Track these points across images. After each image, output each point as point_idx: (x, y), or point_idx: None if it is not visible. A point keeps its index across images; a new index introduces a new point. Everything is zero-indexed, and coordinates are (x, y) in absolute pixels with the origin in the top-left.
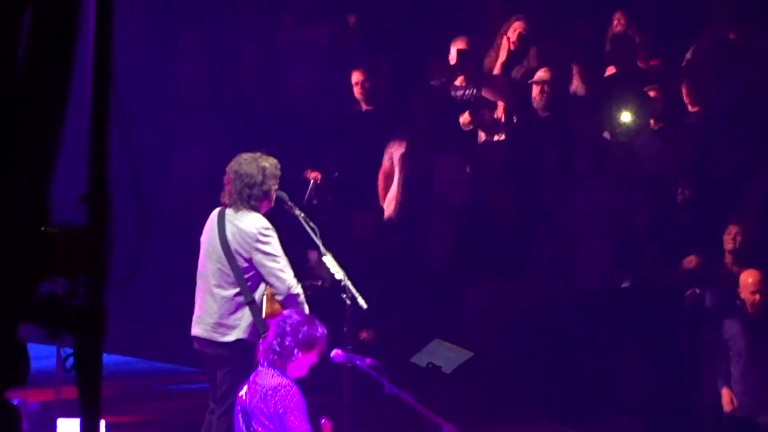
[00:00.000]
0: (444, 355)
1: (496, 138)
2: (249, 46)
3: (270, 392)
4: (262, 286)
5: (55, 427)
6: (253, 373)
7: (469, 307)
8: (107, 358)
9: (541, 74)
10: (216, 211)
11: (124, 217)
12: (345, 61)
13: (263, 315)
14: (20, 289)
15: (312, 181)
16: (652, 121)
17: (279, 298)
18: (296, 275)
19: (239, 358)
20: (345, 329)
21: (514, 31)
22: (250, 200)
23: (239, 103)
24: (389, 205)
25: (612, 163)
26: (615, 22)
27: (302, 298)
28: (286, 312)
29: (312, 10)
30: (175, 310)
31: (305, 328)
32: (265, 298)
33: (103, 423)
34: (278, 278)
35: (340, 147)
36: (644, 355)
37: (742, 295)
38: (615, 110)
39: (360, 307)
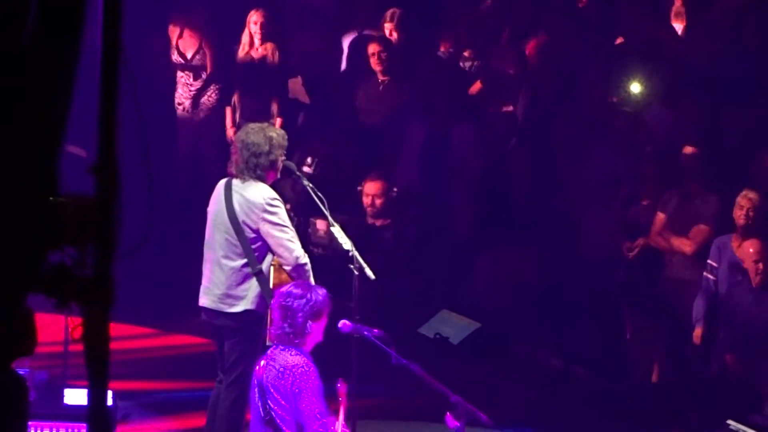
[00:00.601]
0: (452, 326)
1: (504, 108)
2: (256, 11)
3: (287, 371)
4: (270, 256)
5: (62, 396)
6: (271, 350)
7: (477, 277)
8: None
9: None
10: (223, 181)
11: (133, 188)
12: (353, 28)
13: (271, 285)
14: (29, 259)
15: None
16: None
17: (287, 268)
18: (303, 245)
19: (247, 329)
20: (353, 300)
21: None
22: (256, 170)
23: (249, 72)
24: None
25: (620, 133)
26: None
27: (309, 267)
28: (282, 290)
29: None
30: (183, 281)
31: (309, 299)
32: (272, 268)
33: (110, 393)
34: (286, 248)
35: (352, 117)
36: (652, 324)
37: (745, 265)
38: (625, 81)
39: (368, 278)
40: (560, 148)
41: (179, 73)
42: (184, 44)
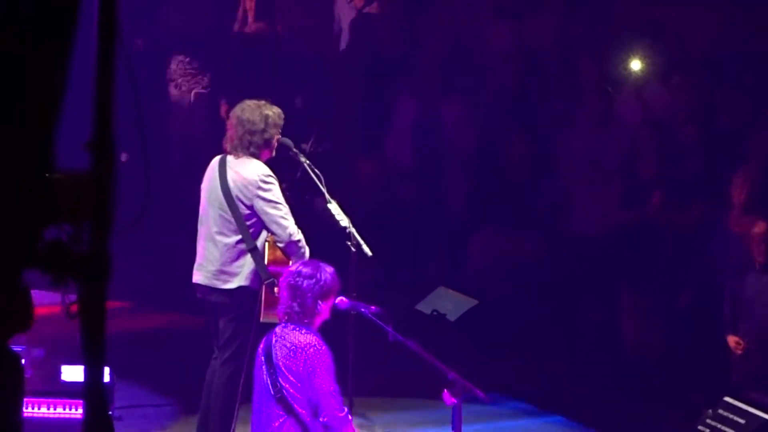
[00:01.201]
0: (449, 303)
1: (500, 85)
2: None
3: (300, 350)
4: (264, 233)
5: (59, 373)
6: (279, 328)
7: (473, 255)
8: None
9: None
10: (217, 158)
11: (128, 164)
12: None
13: (265, 262)
14: (25, 235)
15: (315, 129)
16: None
17: (280, 245)
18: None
19: (242, 305)
20: (350, 277)
21: None
22: (250, 147)
23: (244, 48)
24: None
25: (616, 110)
26: None
27: (303, 244)
28: (292, 269)
29: None
30: (178, 257)
31: (319, 279)
32: (267, 245)
33: (107, 369)
34: (279, 225)
35: (347, 93)
36: (650, 304)
37: (752, 246)
38: (624, 58)
39: (365, 255)
40: (555, 126)
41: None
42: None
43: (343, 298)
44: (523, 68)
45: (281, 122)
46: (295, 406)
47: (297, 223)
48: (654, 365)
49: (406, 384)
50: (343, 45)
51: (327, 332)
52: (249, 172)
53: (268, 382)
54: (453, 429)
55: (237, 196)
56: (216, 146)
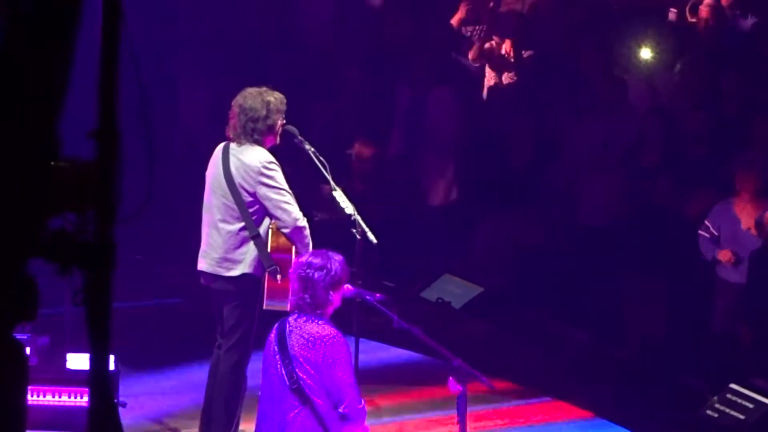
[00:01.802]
0: (454, 290)
1: (505, 74)
2: None
3: (319, 341)
4: (267, 220)
5: (64, 361)
6: (293, 318)
7: (478, 243)
8: None
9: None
10: (221, 145)
11: (133, 153)
12: None
13: (268, 249)
14: (29, 224)
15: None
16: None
17: (285, 231)
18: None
19: (245, 293)
20: (355, 264)
21: None
22: (253, 134)
23: (247, 36)
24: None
25: (622, 96)
26: None
27: (308, 231)
28: (302, 260)
29: None
30: (182, 245)
31: (329, 269)
32: (270, 231)
33: (112, 358)
34: (284, 210)
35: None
36: (655, 291)
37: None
38: (633, 46)
39: (370, 242)
40: (560, 113)
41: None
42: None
43: (349, 286)
44: (526, 53)
45: (284, 107)
46: (312, 396)
47: (302, 210)
48: (658, 353)
49: (411, 371)
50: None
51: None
52: (251, 158)
53: (283, 372)
54: (458, 416)
55: (240, 184)
56: (220, 134)
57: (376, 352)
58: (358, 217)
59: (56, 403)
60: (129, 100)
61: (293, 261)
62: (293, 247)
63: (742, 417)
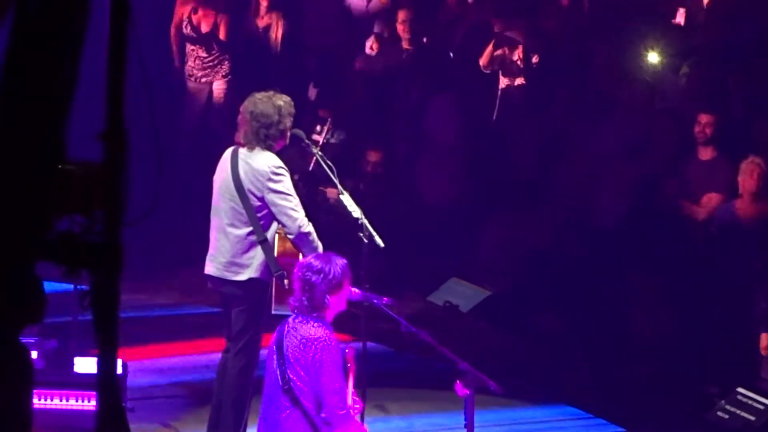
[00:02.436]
0: (461, 294)
1: (515, 78)
2: None
3: (310, 343)
4: (275, 225)
5: (72, 364)
6: (292, 319)
7: (486, 246)
8: None
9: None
10: (230, 149)
11: (140, 155)
12: None
13: (275, 254)
14: (37, 226)
15: (328, 120)
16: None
17: (290, 237)
18: (308, 215)
19: (253, 297)
20: (362, 268)
21: None
22: (266, 140)
23: (255, 40)
24: None
25: (630, 99)
26: None
27: (314, 236)
28: (302, 261)
29: None
30: (190, 248)
31: (327, 273)
32: (277, 236)
33: (120, 361)
34: (289, 217)
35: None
36: (661, 294)
37: None
38: (641, 50)
39: (377, 246)
40: (570, 116)
41: (189, 46)
42: (198, 18)
43: (356, 289)
44: (536, 58)
45: (293, 110)
46: (302, 398)
47: (308, 214)
48: (665, 355)
49: (418, 374)
50: (354, 37)
51: (338, 322)
52: (260, 163)
53: (278, 373)
54: (465, 419)
55: (248, 188)
56: (229, 137)
57: (384, 356)
58: (365, 221)
59: (64, 407)
60: (137, 102)
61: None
62: (300, 252)
63: (752, 419)
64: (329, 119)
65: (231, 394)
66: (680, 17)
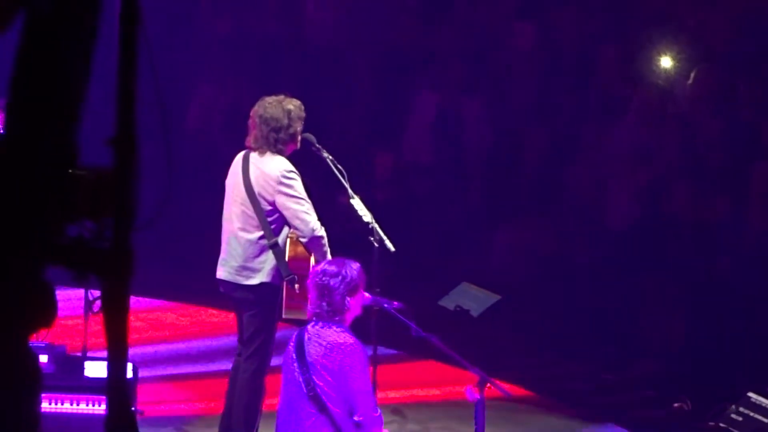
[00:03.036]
0: (472, 298)
1: (524, 80)
2: None
3: (336, 348)
4: (286, 229)
5: (82, 369)
6: (311, 326)
7: (497, 250)
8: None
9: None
10: (241, 154)
11: (151, 160)
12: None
13: (286, 258)
14: (47, 231)
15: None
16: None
17: (303, 240)
18: (320, 218)
19: (264, 301)
20: (373, 272)
21: None
22: (277, 144)
23: (263, 42)
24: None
25: (642, 103)
26: None
27: (326, 240)
28: (317, 268)
29: None
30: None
31: (345, 276)
32: (288, 241)
33: (130, 365)
34: (302, 220)
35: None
36: (675, 298)
37: None
38: (654, 55)
39: (388, 250)
40: (581, 120)
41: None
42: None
43: (366, 294)
44: (546, 62)
45: (303, 114)
46: (329, 404)
47: (320, 218)
48: (678, 359)
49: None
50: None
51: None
52: (271, 168)
53: (301, 380)
54: (476, 424)
55: (259, 192)
56: (239, 142)
57: (395, 360)
58: (376, 225)
59: (74, 411)
60: (147, 107)
61: (311, 270)
62: (311, 257)
63: (766, 420)
64: (338, 124)
65: (242, 398)
66: (692, 22)
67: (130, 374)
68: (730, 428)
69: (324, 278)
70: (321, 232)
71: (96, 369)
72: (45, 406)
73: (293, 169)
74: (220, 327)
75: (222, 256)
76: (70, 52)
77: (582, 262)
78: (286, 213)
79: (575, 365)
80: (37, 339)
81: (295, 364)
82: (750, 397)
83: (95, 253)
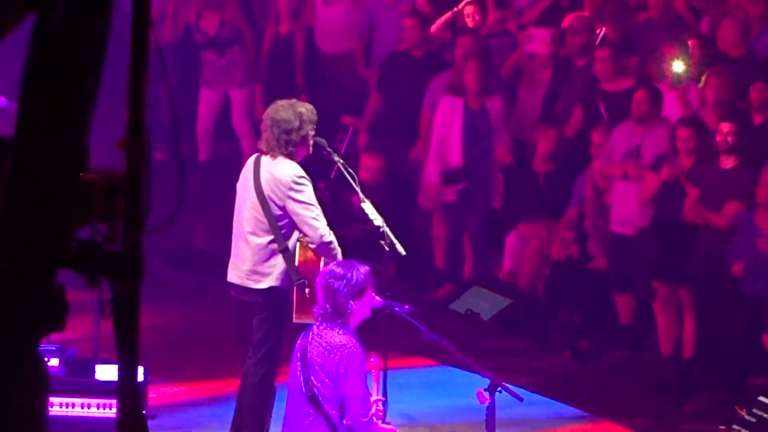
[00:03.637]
0: (483, 302)
1: (536, 85)
2: None
3: (334, 350)
4: (296, 233)
5: (93, 372)
6: (316, 326)
7: (507, 254)
8: None
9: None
10: (253, 157)
11: (162, 163)
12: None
13: (296, 263)
14: (58, 235)
15: (351, 127)
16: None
17: (312, 246)
18: (329, 223)
19: (273, 305)
20: (384, 276)
21: None
22: (288, 146)
23: (276, 48)
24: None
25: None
26: None
27: (335, 245)
28: (325, 269)
29: None
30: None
31: (350, 279)
32: (298, 245)
33: (141, 369)
34: (311, 226)
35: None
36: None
37: None
38: (663, 60)
39: (398, 254)
40: (590, 122)
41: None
42: (205, 23)
43: (377, 297)
44: (558, 65)
45: (315, 118)
46: (325, 405)
47: (330, 223)
48: (689, 363)
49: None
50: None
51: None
52: (282, 172)
53: (301, 379)
54: (487, 428)
55: (269, 197)
56: (250, 145)
57: (405, 364)
58: (387, 229)
59: (85, 415)
60: (158, 111)
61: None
62: (321, 261)
63: None
64: (351, 127)
65: (252, 401)
66: (704, 26)
67: (141, 377)
68: (743, 430)
69: (330, 280)
70: (329, 237)
71: (107, 372)
72: (56, 409)
73: (304, 174)
74: None
75: (232, 259)
76: (80, 57)
77: (594, 264)
78: (295, 218)
79: (587, 369)
80: (48, 342)
81: (298, 363)
82: (760, 401)
83: (106, 256)
